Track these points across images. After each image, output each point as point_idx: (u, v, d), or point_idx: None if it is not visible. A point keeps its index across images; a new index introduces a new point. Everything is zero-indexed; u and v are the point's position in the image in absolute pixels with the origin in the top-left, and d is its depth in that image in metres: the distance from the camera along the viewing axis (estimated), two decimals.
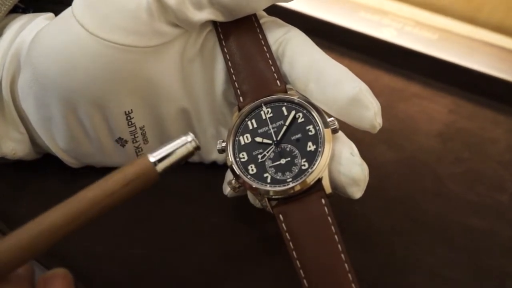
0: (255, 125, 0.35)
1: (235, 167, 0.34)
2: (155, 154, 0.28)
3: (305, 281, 0.31)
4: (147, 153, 0.28)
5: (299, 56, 0.36)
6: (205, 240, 0.39)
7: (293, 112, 0.34)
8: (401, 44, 0.55)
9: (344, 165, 0.33)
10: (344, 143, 0.34)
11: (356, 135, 0.36)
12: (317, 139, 0.33)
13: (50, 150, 0.40)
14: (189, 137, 0.29)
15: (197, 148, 0.29)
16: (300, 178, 0.32)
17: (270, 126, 0.34)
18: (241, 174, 0.34)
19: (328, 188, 0.33)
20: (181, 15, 0.35)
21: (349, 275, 0.31)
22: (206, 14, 0.36)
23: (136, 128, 0.38)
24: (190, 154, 0.29)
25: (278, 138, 0.34)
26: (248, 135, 0.35)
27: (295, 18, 0.57)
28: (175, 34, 0.36)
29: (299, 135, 0.34)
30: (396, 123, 0.49)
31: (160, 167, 0.28)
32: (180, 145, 0.29)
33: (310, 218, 0.32)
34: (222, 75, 0.38)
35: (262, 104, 0.35)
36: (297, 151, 0.33)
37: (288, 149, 0.34)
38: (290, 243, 0.32)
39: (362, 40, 0.56)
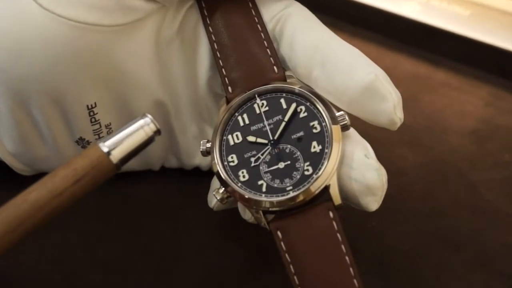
0: (247, 121, 0.35)
1: (222, 173, 0.34)
2: (107, 142, 0.29)
3: None
4: (97, 141, 0.29)
5: (300, 36, 0.36)
6: (185, 263, 0.38)
7: (293, 105, 0.34)
8: (426, 21, 0.55)
9: (356, 169, 0.33)
10: (356, 142, 0.34)
11: (371, 133, 0.36)
12: (323, 138, 0.33)
13: None
14: (147, 119, 0.29)
15: (157, 132, 0.29)
16: (303, 186, 0.32)
17: (266, 122, 0.35)
18: (230, 182, 0.34)
19: (337, 198, 0.33)
20: None
21: None
22: None
23: (100, 126, 0.39)
24: (150, 139, 0.29)
25: (276, 137, 0.34)
26: (239, 134, 0.35)
27: None
28: (148, 10, 0.36)
29: (301, 133, 0.34)
30: (421, 119, 0.49)
31: (115, 157, 0.29)
32: (136, 129, 0.29)
33: (315, 235, 0.32)
34: (206, 60, 0.38)
35: (256, 95, 0.35)
36: (298, 153, 0.33)
37: (287, 150, 0.34)
38: (291, 266, 0.32)
39: (378, 17, 0.57)
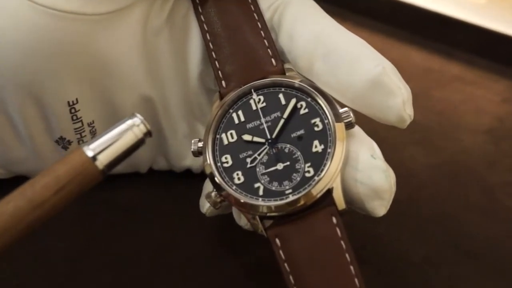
0: (242, 119, 0.35)
1: (215, 175, 0.34)
2: (92, 146, 0.28)
3: None
4: (82, 145, 0.28)
5: (301, 26, 0.36)
6: (175, 274, 0.38)
7: (293, 101, 0.34)
8: (438, 10, 0.56)
9: (362, 171, 0.33)
10: (362, 142, 0.34)
11: (378, 131, 0.36)
12: (325, 137, 0.33)
13: None
14: (136, 119, 0.29)
15: (147, 133, 0.29)
16: (303, 189, 0.32)
17: (263, 120, 0.34)
18: (224, 185, 0.34)
19: (341, 203, 0.32)
20: None
21: None
22: None
23: (83, 125, 0.38)
24: (139, 142, 0.29)
25: (274, 136, 0.34)
26: (233, 132, 0.35)
27: None
28: None
29: (301, 132, 0.34)
30: (432, 116, 0.49)
31: (102, 162, 0.28)
32: (124, 130, 0.29)
33: (317, 243, 0.32)
34: (198, 52, 0.38)
35: (252, 90, 0.35)
36: (298, 153, 0.33)
37: (286, 150, 0.34)
38: (290, 277, 0.32)
39: (386, 5, 0.57)
